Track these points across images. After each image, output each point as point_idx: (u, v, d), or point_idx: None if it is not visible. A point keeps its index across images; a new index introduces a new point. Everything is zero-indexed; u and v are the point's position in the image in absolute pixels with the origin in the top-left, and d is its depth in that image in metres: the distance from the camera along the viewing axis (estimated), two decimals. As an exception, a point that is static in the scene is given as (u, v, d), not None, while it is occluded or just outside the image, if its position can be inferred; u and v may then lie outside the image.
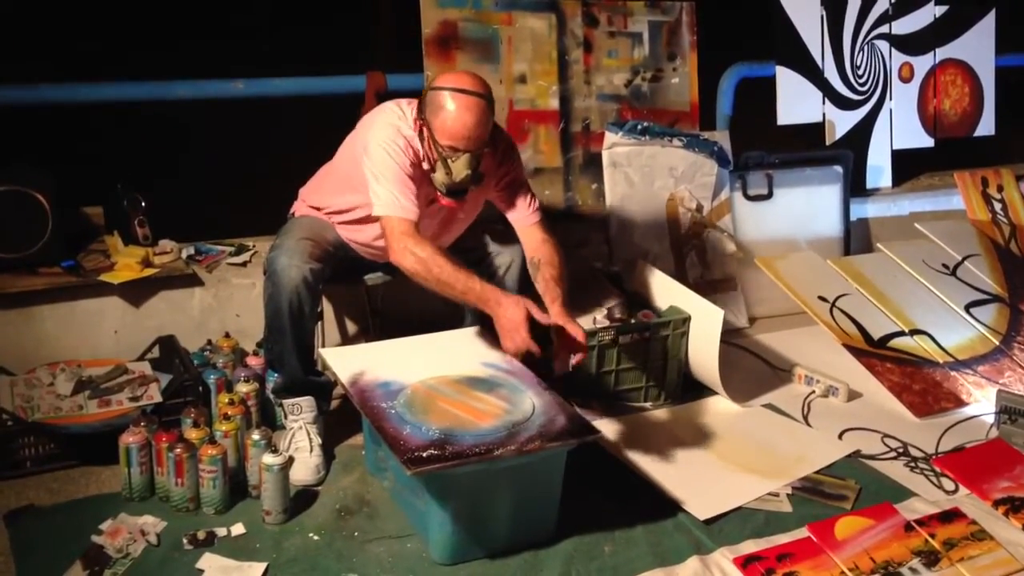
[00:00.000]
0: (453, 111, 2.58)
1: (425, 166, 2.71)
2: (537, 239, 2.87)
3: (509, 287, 2.97)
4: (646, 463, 2.79)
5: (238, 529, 2.48)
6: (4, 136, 3.21)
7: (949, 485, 2.78)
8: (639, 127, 3.83)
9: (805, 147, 4.42)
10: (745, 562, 2.37)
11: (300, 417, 2.78)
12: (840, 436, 3.05)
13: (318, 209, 2.97)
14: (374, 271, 3.15)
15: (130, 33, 3.40)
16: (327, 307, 3.38)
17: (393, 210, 2.62)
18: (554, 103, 3.93)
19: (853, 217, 4.39)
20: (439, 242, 2.83)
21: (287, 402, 2.80)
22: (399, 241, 2.59)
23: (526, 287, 3.05)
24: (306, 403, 2.80)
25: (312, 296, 2.75)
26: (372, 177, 2.66)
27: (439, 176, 2.68)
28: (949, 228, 4.16)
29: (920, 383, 3.35)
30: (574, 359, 2.61)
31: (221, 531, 2.47)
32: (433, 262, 2.56)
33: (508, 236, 3.02)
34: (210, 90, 3.52)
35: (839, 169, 4.32)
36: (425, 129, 2.65)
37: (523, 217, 2.90)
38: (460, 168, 2.63)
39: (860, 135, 4.58)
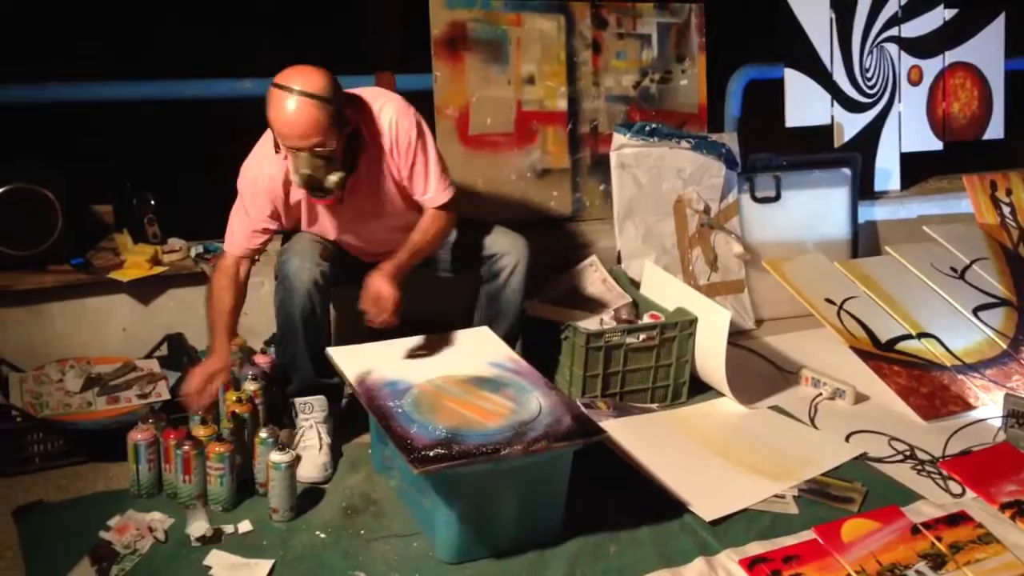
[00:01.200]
0: (276, 108, 2.52)
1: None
2: (422, 221, 2.87)
3: (513, 289, 2.99)
4: (652, 464, 2.78)
5: (245, 526, 2.49)
6: (15, 134, 3.22)
7: (956, 488, 2.78)
8: (647, 128, 3.83)
9: (813, 149, 4.42)
10: (751, 564, 2.37)
11: (311, 416, 2.79)
12: (847, 438, 3.05)
13: None
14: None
15: (140, 32, 3.41)
16: (334, 307, 3.38)
17: (228, 246, 2.83)
18: (562, 104, 3.93)
19: (861, 220, 4.38)
20: (382, 243, 2.91)
21: (298, 401, 2.81)
22: (216, 268, 2.86)
23: (532, 289, 3.07)
24: (317, 402, 2.80)
25: (323, 298, 2.77)
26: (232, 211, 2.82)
27: (295, 177, 2.62)
28: (957, 231, 4.15)
29: (927, 386, 3.34)
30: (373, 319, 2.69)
31: (228, 528, 2.48)
32: (213, 293, 2.81)
33: (513, 238, 3.02)
34: (219, 89, 3.53)
35: (847, 172, 4.32)
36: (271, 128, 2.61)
37: (422, 202, 2.88)
38: (301, 164, 2.57)
39: (869, 138, 4.58)
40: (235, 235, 2.80)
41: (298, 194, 2.78)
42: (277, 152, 2.66)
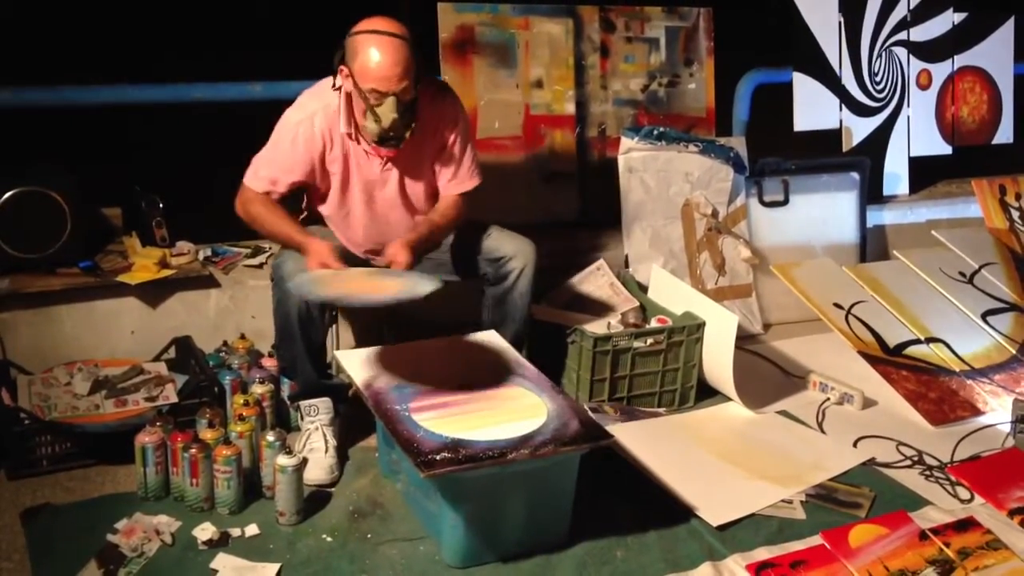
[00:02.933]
0: (369, 52, 2.58)
1: (345, 127, 2.74)
2: (440, 203, 2.94)
3: (520, 292, 2.98)
4: (659, 468, 2.78)
5: (252, 530, 2.49)
6: (24, 137, 3.23)
7: (964, 494, 2.77)
8: (655, 132, 3.83)
9: (822, 153, 4.41)
10: (758, 569, 2.37)
11: (316, 418, 2.79)
12: (855, 444, 3.04)
13: (317, 216, 3.01)
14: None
15: (149, 36, 3.42)
16: (341, 310, 3.39)
17: (249, 180, 2.82)
18: (570, 108, 3.93)
19: (870, 224, 4.37)
20: (399, 223, 2.94)
21: (303, 403, 2.81)
22: (239, 200, 2.84)
23: (538, 291, 3.07)
24: (323, 404, 2.81)
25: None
26: (274, 135, 2.82)
27: (369, 126, 2.67)
28: (966, 236, 4.14)
29: (936, 391, 3.33)
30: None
31: (235, 531, 2.48)
32: (257, 215, 2.79)
33: (521, 241, 3.02)
34: (228, 93, 3.54)
35: (856, 176, 4.31)
36: (350, 80, 2.65)
37: (446, 186, 2.94)
38: (387, 112, 2.62)
39: (877, 142, 4.57)
40: (258, 172, 2.81)
41: (337, 155, 2.81)
42: (329, 109, 2.73)
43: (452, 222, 2.94)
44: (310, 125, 2.77)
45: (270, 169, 2.81)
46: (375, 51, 2.58)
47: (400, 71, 2.59)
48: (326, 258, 2.62)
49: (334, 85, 2.73)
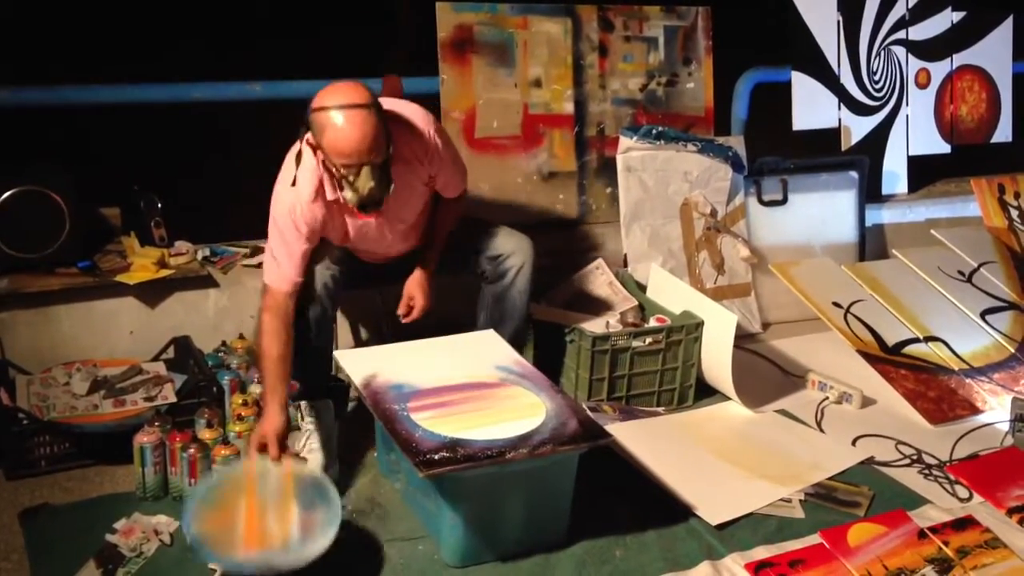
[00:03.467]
0: (337, 129, 2.47)
1: (331, 195, 2.66)
2: (442, 207, 3.01)
3: (519, 290, 2.99)
4: (658, 468, 2.78)
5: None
6: (23, 137, 3.23)
7: (963, 493, 2.77)
8: (654, 131, 3.83)
9: (820, 152, 4.41)
10: (757, 568, 2.37)
11: (316, 418, 2.79)
12: (854, 442, 3.04)
13: None
14: (385, 274, 3.16)
15: (148, 35, 3.42)
16: (340, 310, 3.39)
17: (270, 279, 2.69)
18: (569, 107, 3.93)
19: (868, 223, 4.37)
20: (396, 248, 2.96)
21: (304, 404, 2.81)
22: (263, 308, 2.67)
23: (536, 290, 3.07)
24: (322, 405, 2.81)
25: (332, 301, 2.78)
26: (272, 231, 2.70)
27: (348, 195, 2.57)
28: (965, 235, 4.14)
29: (935, 390, 3.33)
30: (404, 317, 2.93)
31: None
32: (263, 336, 2.62)
33: (519, 238, 3.02)
34: (227, 92, 3.53)
35: (855, 175, 4.31)
36: (319, 152, 2.56)
37: (445, 193, 2.99)
38: (364, 182, 2.52)
39: (876, 141, 4.57)
40: (282, 268, 2.67)
41: (333, 214, 2.74)
42: (293, 185, 2.62)
43: (456, 219, 3.02)
44: (303, 204, 2.66)
45: (290, 259, 2.68)
46: (342, 127, 2.46)
47: (370, 143, 2.48)
48: (268, 439, 2.44)
49: (298, 158, 2.64)
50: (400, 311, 2.96)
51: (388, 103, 2.74)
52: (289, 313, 2.66)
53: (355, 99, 2.48)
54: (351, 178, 2.53)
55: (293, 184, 2.62)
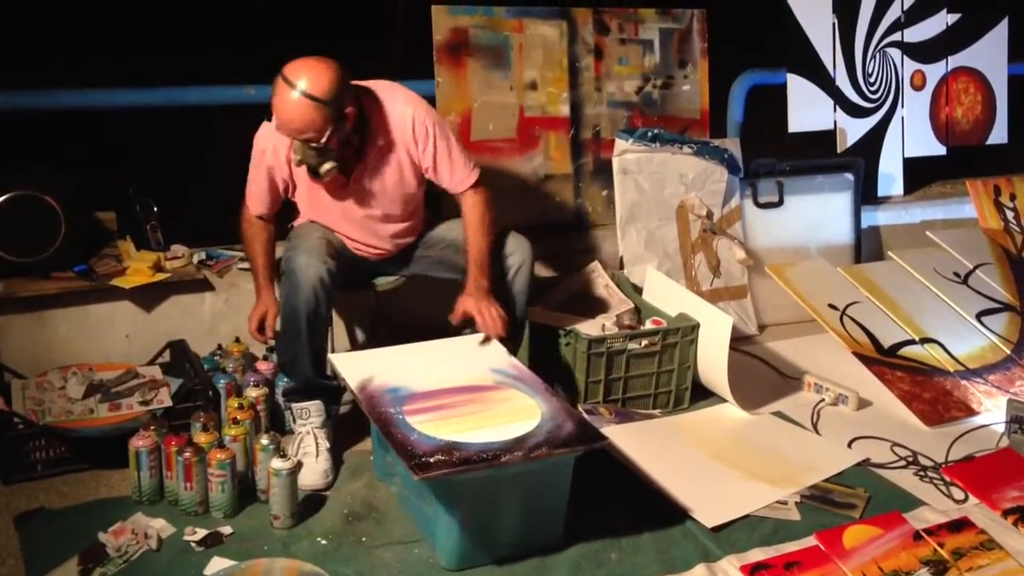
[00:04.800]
0: (276, 98, 2.62)
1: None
2: (465, 216, 2.97)
3: (519, 289, 3.01)
4: (654, 470, 2.78)
5: (246, 533, 2.49)
6: (18, 141, 3.23)
7: (958, 494, 2.77)
8: (649, 134, 3.83)
9: (816, 155, 4.42)
10: (752, 570, 2.37)
11: (308, 421, 2.79)
12: (849, 444, 3.04)
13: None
14: (380, 273, 3.17)
15: (143, 39, 3.42)
16: (335, 312, 3.39)
17: (247, 194, 2.98)
18: (565, 110, 3.94)
19: (864, 225, 4.38)
20: (389, 241, 3.04)
21: (296, 406, 2.81)
22: (242, 219, 3.01)
23: (534, 294, 3.08)
24: (315, 407, 2.80)
25: (328, 297, 2.77)
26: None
27: (293, 156, 2.75)
28: (961, 236, 4.15)
29: (930, 392, 3.33)
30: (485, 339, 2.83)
31: (226, 530, 2.49)
32: (245, 243, 3.01)
33: (519, 239, 3.02)
34: (222, 96, 3.54)
35: (850, 177, 4.31)
36: None
37: (451, 187, 2.97)
38: (298, 148, 2.70)
39: (872, 143, 4.58)
40: (250, 193, 2.96)
41: (302, 173, 2.85)
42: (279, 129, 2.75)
43: (488, 223, 2.96)
44: (271, 151, 2.87)
45: (253, 189, 2.96)
46: (281, 100, 2.61)
47: (300, 126, 2.62)
48: (266, 317, 2.89)
49: None
50: (458, 321, 2.88)
51: (386, 88, 2.87)
52: (261, 229, 2.98)
53: (303, 84, 2.59)
54: (294, 143, 2.70)
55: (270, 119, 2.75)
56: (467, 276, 2.90)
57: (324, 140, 2.65)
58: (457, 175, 2.94)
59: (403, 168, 2.90)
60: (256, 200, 2.96)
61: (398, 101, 2.86)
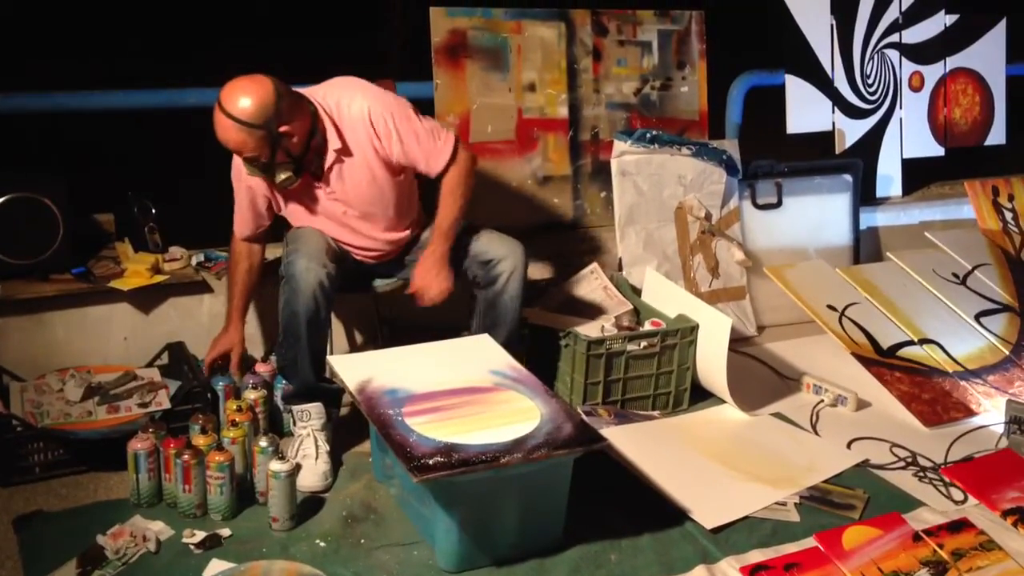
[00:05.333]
0: (214, 122, 2.68)
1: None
2: (441, 186, 2.95)
3: (511, 295, 2.98)
4: (653, 471, 2.78)
5: (245, 535, 2.48)
6: (16, 143, 3.23)
7: (958, 495, 2.77)
8: (648, 136, 3.83)
9: (815, 156, 4.42)
10: (752, 571, 2.37)
11: (308, 424, 2.78)
12: (848, 445, 3.04)
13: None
14: (377, 276, 3.16)
15: (142, 42, 3.42)
16: (335, 315, 3.39)
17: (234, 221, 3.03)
18: (563, 111, 3.94)
19: (863, 226, 4.38)
20: (383, 243, 3.04)
21: (296, 408, 2.81)
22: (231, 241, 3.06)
23: (531, 294, 3.07)
24: (315, 410, 2.80)
25: (327, 301, 2.77)
26: None
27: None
28: (959, 237, 4.15)
29: (929, 392, 3.33)
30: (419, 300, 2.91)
31: (224, 532, 2.49)
32: (231, 256, 3.07)
33: (509, 243, 3.01)
34: (221, 98, 3.54)
35: (849, 178, 4.31)
36: None
37: (429, 168, 2.94)
38: (246, 166, 2.77)
39: (870, 144, 4.58)
40: (236, 214, 3.01)
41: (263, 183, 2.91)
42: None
43: (465, 190, 2.95)
44: (243, 174, 2.88)
45: (238, 212, 3.01)
46: (215, 124, 2.67)
47: (235, 147, 2.70)
48: (230, 352, 3.01)
49: None
50: (410, 291, 2.94)
51: (339, 87, 2.88)
52: (245, 254, 3.04)
53: (231, 108, 2.64)
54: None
55: None
56: (429, 240, 2.96)
57: (268, 158, 2.70)
58: (432, 160, 2.90)
59: (372, 166, 2.87)
60: (241, 222, 3.01)
61: (355, 99, 2.83)
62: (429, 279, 2.89)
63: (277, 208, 2.99)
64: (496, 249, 2.99)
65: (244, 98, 2.63)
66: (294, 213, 2.98)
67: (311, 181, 2.87)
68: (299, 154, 2.76)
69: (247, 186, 2.92)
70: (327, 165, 2.84)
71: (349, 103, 2.83)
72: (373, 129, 2.83)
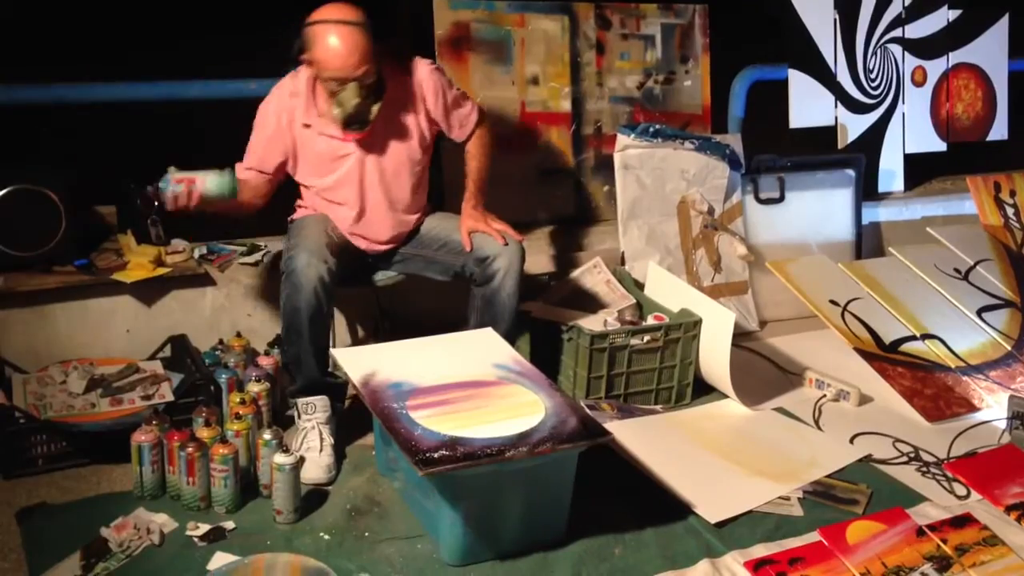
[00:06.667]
0: (327, 41, 2.66)
1: (314, 117, 2.83)
2: (468, 149, 3.08)
3: (508, 293, 2.96)
4: (657, 466, 2.78)
5: (248, 528, 2.48)
6: (18, 135, 3.22)
7: (961, 490, 2.77)
8: (651, 129, 3.83)
9: (817, 151, 4.41)
10: (756, 566, 2.37)
11: (313, 417, 2.78)
12: (851, 440, 3.04)
13: (313, 208, 3.03)
14: (379, 269, 3.16)
15: (144, 33, 3.41)
16: (337, 308, 3.39)
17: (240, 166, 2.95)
18: (566, 105, 3.93)
19: (865, 221, 4.38)
20: (392, 227, 3.04)
21: (300, 401, 2.81)
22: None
23: (533, 288, 3.08)
24: (320, 403, 2.80)
25: (329, 295, 2.77)
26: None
27: (335, 112, 2.76)
28: (961, 233, 4.15)
29: (932, 388, 3.34)
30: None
31: (228, 525, 2.49)
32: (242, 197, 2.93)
33: (505, 239, 3.00)
34: (224, 90, 3.53)
35: (851, 173, 4.31)
36: (314, 67, 2.74)
37: (460, 133, 3.05)
38: (349, 96, 2.72)
39: (873, 139, 4.58)
40: (248, 152, 2.95)
41: (313, 143, 2.90)
42: (294, 97, 2.83)
43: (488, 154, 3.08)
44: (285, 116, 2.88)
45: (251, 155, 2.96)
46: (333, 39, 2.66)
47: (358, 57, 2.66)
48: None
49: (295, 72, 2.85)
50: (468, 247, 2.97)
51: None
52: (249, 184, 2.93)
53: (347, 16, 2.67)
54: (339, 92, 2.71)
55: (284, 97, 2.84)
56: (465, 198, 3.03)
57: (374, 74, 2.72)
58: (466, 124, 3.03)
59: (411, 126, 2.94)
60: (249, 154, 2.95)
61: (407, 60, 2.93)
62: (493, 228, 2.96)
63: (292, 170, 2.98)
64: (491, 246, 2.96)
65: (348, 8, 2.69)
66: (314, 172, 2.97)
67: (347, 135, 2.86)
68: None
69: (278, 129, 2.89)
70: (374, 112, 2.82)
71: (409, 55, 2.93)
72: (430, 83, 2.92)
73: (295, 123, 2.88)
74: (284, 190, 3.17)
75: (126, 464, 2.65)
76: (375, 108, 2.78)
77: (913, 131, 4.67)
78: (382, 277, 3.19)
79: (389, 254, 3.11)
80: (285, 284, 2.79)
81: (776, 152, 4.16)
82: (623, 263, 3.75)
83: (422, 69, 2.93)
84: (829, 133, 4.48)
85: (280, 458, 2.49)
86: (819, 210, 4.24)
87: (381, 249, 3.08)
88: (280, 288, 2.82)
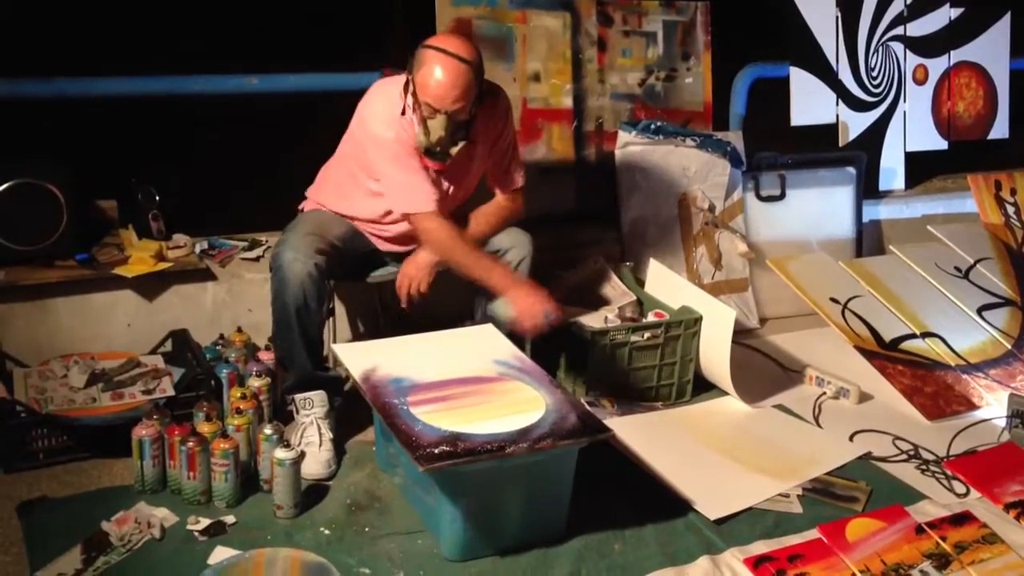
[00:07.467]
0: (432, 69, 2.65)
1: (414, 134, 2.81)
2: (489, 206, 3.05)
3: None
4: (657, 462, 2.78)
5: (249, 523, 2.49)
6: (20, 129, 3.21)
7: (960, 488, 2.78)
8: (652, 126, 3.83)
9: (818, 148, 4.41)
10: (756, 563, 2.37)
11: (311, 412, 2.79)
12: (851, 438, 3.05)
13: (325, 206, 3.01)
14: (386, 264, 3.16)
15: (146, 28, 3.40)
16: (338, 303, 3.39)
17: (411, 206, 2.84)
18: (568, 102, 3.93)
19: (866, 219, 4.38)
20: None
21: (298, 397, 2.81)
22: (423, 234, 2.86)
23: (538, 281, 3.07)
24: (317, 397, 2.80)
25: (318, 290, 2.76)
26: (382, 163, 2.83)
27: (419, 137, 2.76)
28: (962, 231, 4.15)
29: (931, 386, 3.34)
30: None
31: (229, 519, 2.49)
32: (453, 247, 2.83)
33: (518, 233, 3.02)
34: (225, 85, 3.52)
35: (852, 170, 4.31)
36: (412, 85, 2.73)
37: (504, 185, 3.04)
38: (436, 128, 2.71)
39: (874, 137, 4.58)
40: (426, 189, 2.82)
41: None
42: (403, 115, 2.77)
43: (497, 225, 3.02)
44: (405, 135, 2.80)
45: (414, 178, 2.83)
46: (437, 69, 2.64)
47: (456, 94, 2.65)
48: (538, 317, 2.78)
49: (406, 88, 2.77)
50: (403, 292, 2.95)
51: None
52: (450, 222, 2.85)
53: (460, 51, 2.66)
54: (429, 119, 2.71)
55: (395, 117, 2.77)
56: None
57: (467, 114, 2.74)
58: (515, 175, 3.04)
59: (479, 163, 2.97)
60: (428, 186, 2.83)
61: (501, 93, 2.96)
62: (413, 282, 2.94)
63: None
64: (505, 239, 2.99)
65: (467, 45, 2.69)
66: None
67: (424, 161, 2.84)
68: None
69: (410, 146, 2.80)
70: (455, 151, 2.81)
71: (498, 93, 2.94)
72: (509, 136, 2.97)
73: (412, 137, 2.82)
74: (290, 184, 3.17)
75: (127, 458, 2.65)
76: (457, 147, 2.78)
77: (914, 129, 4.67)
78: (378, 273, 3.18)
79: (402, 253, 3.10)
80: (273, 280, 2.79)
81: (777, 150, 4.16)
82: (624, 260, 3.75)
83: (505, 112, 2.96)
84: (830, 131, 4.48)
85: (281, 453, 2.49)
86: (820, 208, 4.24)
87: (401, 250, 3.07)
88: (270, 284, 2.82)
